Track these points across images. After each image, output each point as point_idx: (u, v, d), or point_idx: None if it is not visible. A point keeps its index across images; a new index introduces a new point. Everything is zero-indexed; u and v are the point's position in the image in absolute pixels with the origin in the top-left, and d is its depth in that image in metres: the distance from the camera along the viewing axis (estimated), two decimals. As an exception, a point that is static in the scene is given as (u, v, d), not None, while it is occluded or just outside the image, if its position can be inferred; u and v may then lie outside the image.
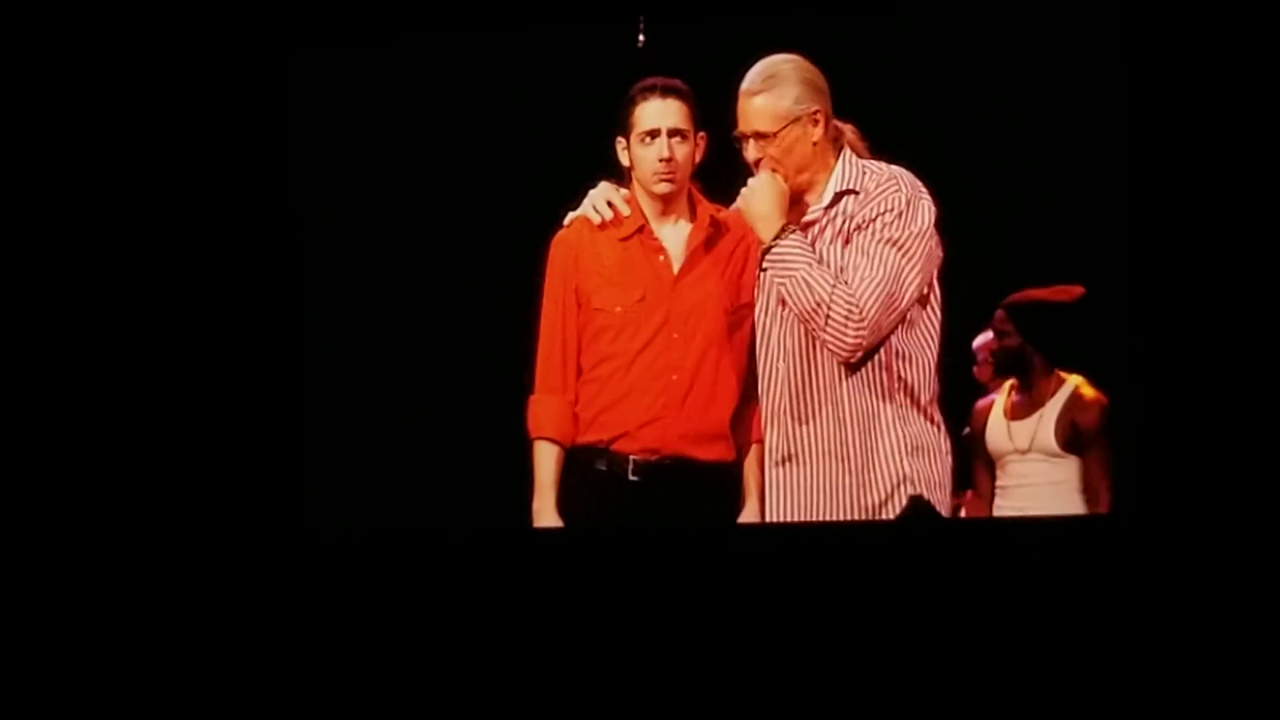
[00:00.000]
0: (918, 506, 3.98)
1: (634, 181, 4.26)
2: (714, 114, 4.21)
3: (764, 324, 4.12)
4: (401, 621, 4.17)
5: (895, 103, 5.07)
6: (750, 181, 4.04)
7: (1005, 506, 5.22)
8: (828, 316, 3.92)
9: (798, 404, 4.05)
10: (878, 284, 3.93)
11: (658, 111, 4.16)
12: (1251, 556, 3.90)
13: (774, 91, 4.01)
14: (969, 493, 5.36)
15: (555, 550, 4.24)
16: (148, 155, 4.52)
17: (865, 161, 4.09)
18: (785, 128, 4.01)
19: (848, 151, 4.08)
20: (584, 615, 4.06)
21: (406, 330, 5.36)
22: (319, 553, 4.36)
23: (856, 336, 3.92)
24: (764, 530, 4.12)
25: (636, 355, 4.19)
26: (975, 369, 5.52)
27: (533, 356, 4.31)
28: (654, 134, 4.16)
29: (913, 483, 3.99)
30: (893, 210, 3.98)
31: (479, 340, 5.18)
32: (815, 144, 4.02)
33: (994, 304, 5.24)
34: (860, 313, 3.91)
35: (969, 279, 4.42)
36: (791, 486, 4.08)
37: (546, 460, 4.22)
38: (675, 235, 4.27)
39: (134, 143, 4.52)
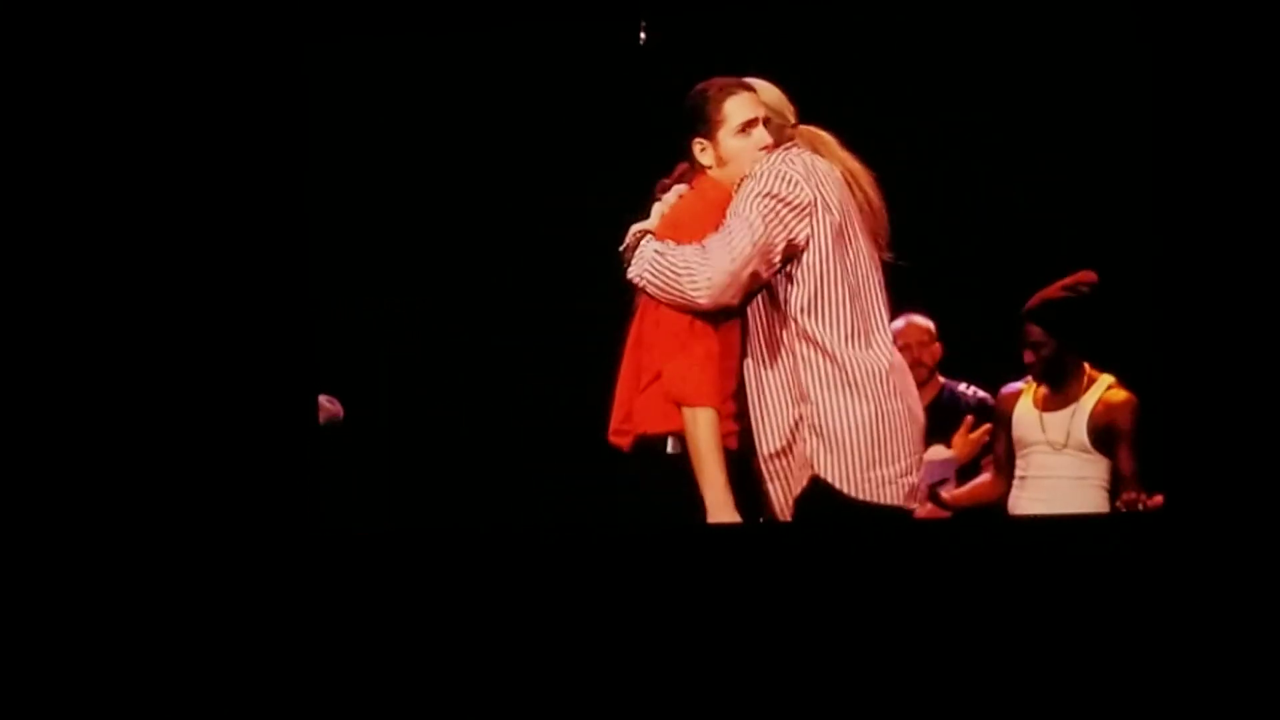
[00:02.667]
0: (818, 488, 3.98)
1: (719, 178, 4.21)
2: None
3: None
4: (418, 616, 4.24)
5: (901, 100, 5.07)
6: None
7: (1025, 498, 5.15)
8: (676, 274, 4.04)
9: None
10: (718, 243, 4.04)
11: (751, 102, 4.17)
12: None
13: None
14: (985, 462, 5.34)
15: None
16: (168, 153, 4.55)
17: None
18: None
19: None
20: (548, 617, 4.15)
21: (419, 324, 5.39)
22: (336, 548, 4.40)
23: (694, 288, 4.03)
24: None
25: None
26: None
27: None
28: (753, 123, 4.15)
29: (801, 423, 4.06)
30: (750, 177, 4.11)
31: (485, 337, 5.20)
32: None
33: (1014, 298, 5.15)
34: (690, 268, 4.03)
35: (988, 276, 4.37)
36: None
37: (717, 435, 4.06)
38: None
39: (154, 140, 4.55)
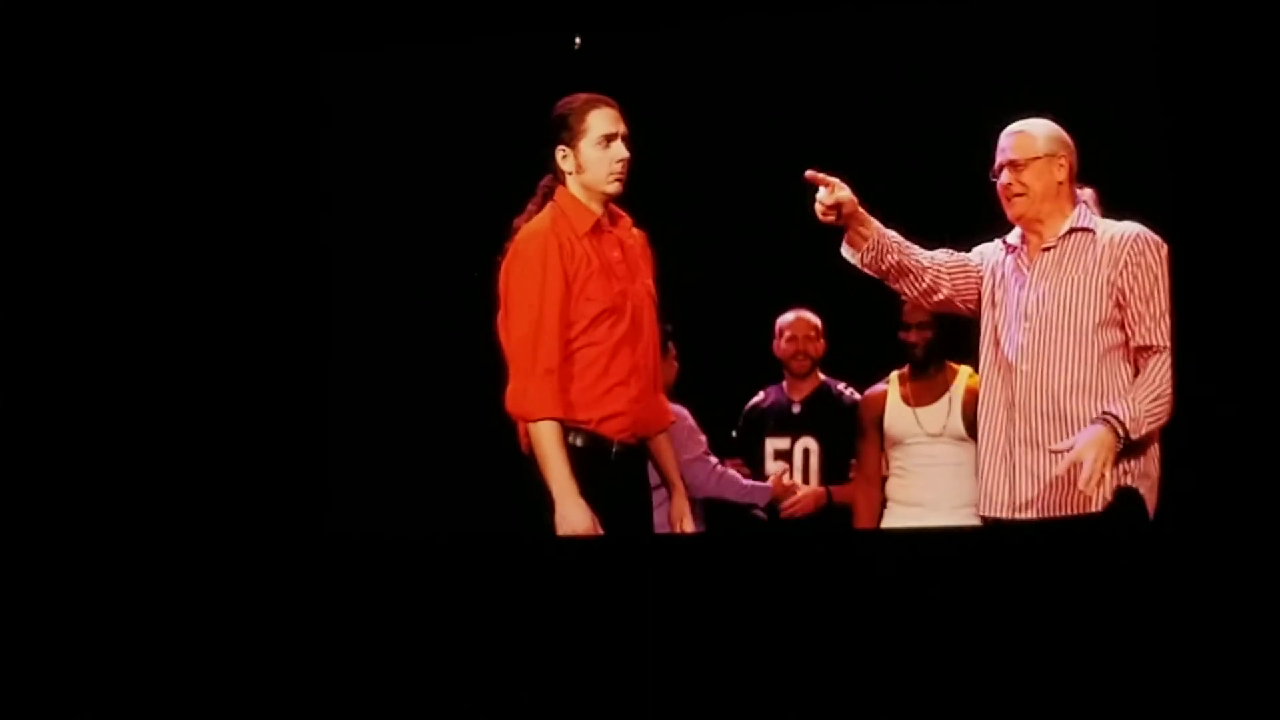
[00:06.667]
0: (1127, 499, 4.24)
1: (575, 185, 4.49)
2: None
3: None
4: (421, 623, 4.18)
5: (879, 106, 5.39)
6: (1083, 456, 4.34)
7: (909, 486, 5.51)
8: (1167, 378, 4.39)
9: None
10: (1164, 308, 4.44)
11: (612, 118, 4.48)
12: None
13: (1028, 132, 4.59)
14: (852, 475, 5.71)
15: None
16: (183, 161, 4.59)
17: (1095, 216, 4.64)
18: (1035, 160, 4.55)
19: (1084, 205, 4.64)
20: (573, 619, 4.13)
21: (432, 333, 5.42)
22: (343, 553, 4.33)
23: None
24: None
25: (618, 343, 4.45)
26: (778, 345, 5.86)
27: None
28: (611, 138, 4.46)
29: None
30: (1144, 244, 4.49)
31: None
32: (1060, 183, 4.58)
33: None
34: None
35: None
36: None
37: (560, 441, 4.36)
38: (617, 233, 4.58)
39: (169, 148, 4.58)
